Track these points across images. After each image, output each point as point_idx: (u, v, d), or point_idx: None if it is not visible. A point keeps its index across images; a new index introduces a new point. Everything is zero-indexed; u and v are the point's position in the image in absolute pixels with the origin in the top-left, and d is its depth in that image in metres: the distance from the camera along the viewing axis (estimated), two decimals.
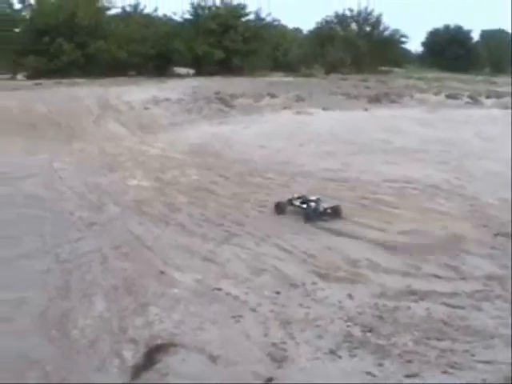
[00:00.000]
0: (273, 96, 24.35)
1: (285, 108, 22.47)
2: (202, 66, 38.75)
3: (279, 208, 8.68)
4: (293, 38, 51.31)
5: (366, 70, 41.59)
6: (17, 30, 40.33)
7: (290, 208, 8.71)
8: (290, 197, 8.91)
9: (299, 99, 24.12)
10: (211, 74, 35.34)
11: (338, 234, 7.59)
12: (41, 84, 28.18)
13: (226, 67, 37.77)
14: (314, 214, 8.32)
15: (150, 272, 6.12)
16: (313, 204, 8.50)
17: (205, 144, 15.18)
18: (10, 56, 38.13)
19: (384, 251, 6.81)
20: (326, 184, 10.53)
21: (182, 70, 40.96)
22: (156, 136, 17.28)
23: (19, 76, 37.37)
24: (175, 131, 18.09)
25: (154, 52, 37.34)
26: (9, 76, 37.29)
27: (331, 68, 43.02)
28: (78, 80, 29.97)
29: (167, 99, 22.33)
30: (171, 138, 16.59)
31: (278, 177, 11.08)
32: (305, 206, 8.55)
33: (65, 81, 29.35)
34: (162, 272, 6.11)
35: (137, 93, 22.91)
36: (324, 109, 21.89)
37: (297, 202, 8.69)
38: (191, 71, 40.92)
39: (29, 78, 35.56)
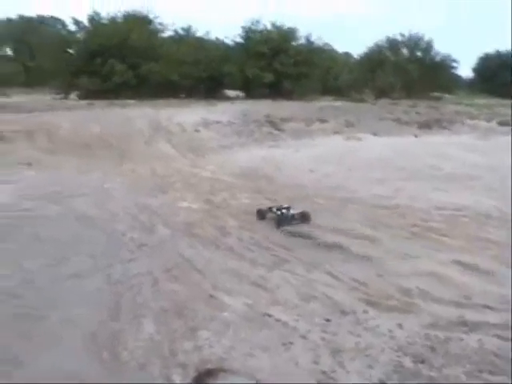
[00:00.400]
0: (323, 121, 24.37)
1: (335, 133, 22.50)
2: (252, 89, 38.97)
3: (260, 214, 9.82)
4: (343, 62, 51.47)
5: (416, 96, 41.38)
6: (71, 51, 41.12)
7: (270, 214, 9.77)
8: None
9: (349, 124, 24.11)
10: (261, 97, 35.49)
11: (394, 257, 7.49)
12: (93, 104, 28.70)
13: (276, 90, 37.97)
14: (284, 219, 9.43)
15: (200, 295, 6.11)
16: (284, 211, 9.62)
17: (255, 167, 15.21)
18: (63, 76, 38.91)
19: (435, 280, 6.70)
20: (376, 210, 10.42)
21: (232, 93, 41.22)
22: (206, 158, 17.40)
23: (72, 96, 38.07)
24: (225, 154, 18.19)
25: (205, 74, 37.77)
26: (62, 96, 38.00)
27: (381, 93, 42.98)
28: (130, 101, 30.46)
29: (217, 122, 22.50)
30: (221, 161, 16.67)
31: (327, 202, 11.02)
32: (279, 212, 9.64)
33: (117, 101, 29.86)
34: (211, 296, 6.09)
35: (188, 115, 23.13)
36: (374, 134, 21.83)
37: (274, 209, 9.77)
38: (241, 94, 41.15)
39: (81, 98, 36.33)
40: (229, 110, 25.90)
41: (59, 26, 60.73)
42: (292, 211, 9.69)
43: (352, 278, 6.76)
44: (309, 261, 7.29)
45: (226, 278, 6.64)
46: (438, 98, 43.48)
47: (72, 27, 43.83)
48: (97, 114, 23.59)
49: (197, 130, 21.34)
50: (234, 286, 6.39)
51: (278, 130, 22.68)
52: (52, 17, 69.49)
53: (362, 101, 38.20)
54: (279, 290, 6.35)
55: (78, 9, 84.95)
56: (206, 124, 22.14)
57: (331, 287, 6.48)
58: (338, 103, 35.13)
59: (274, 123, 23.28)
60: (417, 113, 29.38)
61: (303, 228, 9.02)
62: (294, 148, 18.77)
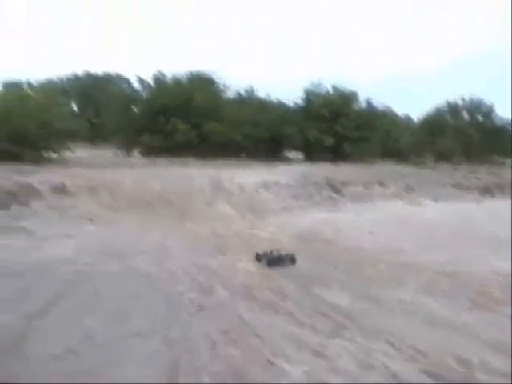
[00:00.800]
0: (383, 185, 24.26)
1: (395, 197, 22.34)
2: (312, 151, 39.05)
3: (258, 257, 11.58)
4: (403, 125, 51.35)
5: (476, 160, 40.95)
6: (135, 109, 42.02)
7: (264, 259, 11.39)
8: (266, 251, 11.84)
9: (409, 189, 23.93)
10: (321, 159, 35.53)
11: (453, 328, 7.34)
12: (155, 162, 29.14)
13: (336, 153, 37.95)
14: (274, 260, 11.29)
15: (259, 361, 6.07)
16: (274, 254, 11.59)
17: (314, 230, 15.17)
18: (127, 134, 39.69)
19: (496, 352, 6.53)
20: (436, 277, 10.28)
21: (292, 155, 41.39)
22: (265, 220, 17.42)
23: (134, 153, 38.73)
24: (285, 216, 18.20)
25: (265, 135, 37.88)
26: (124, 152, 38.74)
27: (441, 157, 42.67)
28: (191, 160, 30.80)
29: (277, 183, 22.57)
30: (281, 223, 16.66)
31: (388, 268, 10.90)
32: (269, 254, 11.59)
33: (178, 160, 30.23)
34: (270, 362, 6.04)
35: (248, 176, 23.26)
36: (434, 200, 21.64)
37: (268, 253, 11.65)
38: (301, 155, 41.28)
39: (143, 155, 36.94)
40: (289, 172, 25.97)
41: (124, 84, 62.29)
42: (282, 253, 11.58)
43: (412, 347, 6.64)
44: (369, 330, 7.18)
45: (285, 344, 6.58)
46: (499, 163, 42.94)
47: (137, 85, 44.96)
48: (158, 172, 23.92)
49: (257, 191, 21.46)
50: (292, 353, 6.32)
51: (338, 193, 22.67)
52: (118, 74, 71.32)
53: (421, 165, 38.00)
54: (338, 358, 6.26)
55: (144, 68, 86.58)
56: (266, 185, 22.22)
57: (390, 357, 6.36)
58: (398, 167, 34.97)
59: (333, 186, 23.28)
60: (477, 178, 29.09)
61: (362, 292, 8.93)
62: (354, 212, 18.74)
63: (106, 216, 17.10)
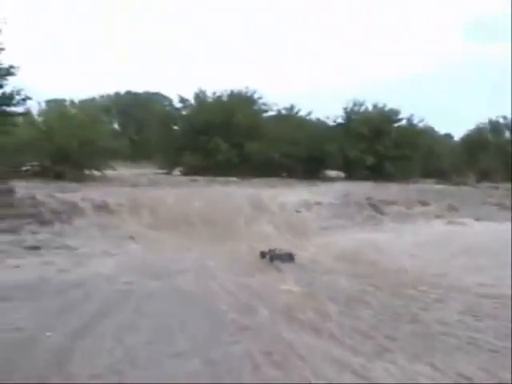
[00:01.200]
0: (425, 204, 24.05)
1: (437, 217, 22.12)
2: (353, 170, 38.81)
3: (262, 254, 14.10)
4: (444, 144, 50.86)
5: None
6: (176, 127, 42.28)
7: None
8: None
9: (451, 208, 23.69)
10: (362, 178, 35.31)
11: (496, 352, 7.20)
12: (196, 181, 29.24)
13: (376, 172, 37.65)
14: (276, 257, 13.73)
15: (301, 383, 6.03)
16: (276, 252, 13.98)
17: (356, 251, 15.06)
18: (168, 152, 39.92)
19: None
20: (480, 300, 10.12)
21: (333, 173, 41.25)
22: (306, 240, 17.37)
23: (175, 172, 38.90)
24: (326, 236, 18.11)
25: (305, 154, 37.72)
26: (166, 171, 38.94)
27: (482, 176, 42.22)
28: (232, 178, 30.89)
29: (318, 203, 22.52)
30: (322, 243, 16.58)
31: (431, 290, 10.76)
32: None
33: (219, 179, 30.29)
34: None
35: (289, 195, 23.25)
36: (476, 219, 21.35)
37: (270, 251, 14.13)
38: (342, 174, 41.10)
39: (184, 174, 37.03)
40: (330, 191, 25.91)
41: (165, 103, 62.75)
42: (280, 252, 14.02)
43: (456, 370, 6.53)
44: (413, 352, 7.09)
45: (327, 366, 6.52)
46: None
47: (178, 104, 45.22)
48: (199, 191, 24.03)
49: (298, 211, 21.43)
50: (335, 375, 6.26)
51: (379, 212, 22.53)
52: (158, 93, 71.94)
53: (463, 183, 37.61)
54: (381, 381, 6.19)
55: (185, 86, 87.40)
56: (307, 205, 22.19)
57: (433, 380, 6.27)
58: (440, 186, 34.66)
59: (374, 206, 23.16)
60: None
61: (404, 313, 8.83)
62: (396, 232, 18.56)
63: (147, 234, 17.23)
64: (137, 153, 51.55)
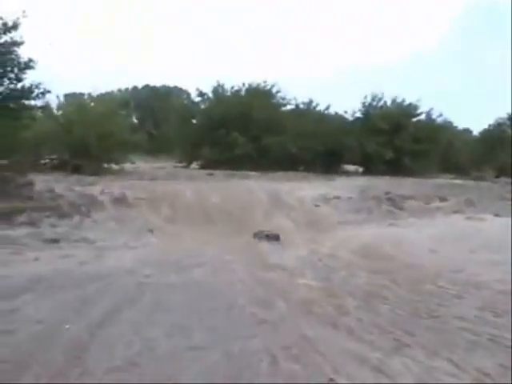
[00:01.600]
0: (443, 199, 23.92)
1: (455, 212, 21.98)
2: (371, 165, 38.75)
3: (254, 235, 16.31)
4: (463, 139, 50.64)
5: None
6: (194, 121, 42.35)
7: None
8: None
9: (469, 203, 23.53)
10: (380, 172, 35.27)
11: None
12: (213, 174, 29.33)
13: (395, 166, 37.58)
14: (264, 237, 16.07)
15: (319, 378, 6.01)
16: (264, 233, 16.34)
17: (374, 245, 14.97)
18: (186, 146, 40.06)
19: None
20: (499, 296, 10.04)
21: (351, 168, 41.21)
22: (324, 234, 17.33)
23: (193, 165, 38.99)
24: (344, 230, 18.05)
25: (324, 148, 37.72)
26: (184, 164, 39.04)
27: (501, 171, 42.32)
28: (249, 172, 30.94)
29: (337, 197, 22.49)
30: (340, 238, 16.51)
31: (449, 285, 10.70)
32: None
33: (236, 173, 30.36)
34: (331, 379, 5.97)
35: (307, 189, 23.28)
36: (495, 215, 21.20)
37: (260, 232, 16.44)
38: (360, 169, 41.07)
39: (202, 167, 37.20)
40: (348, 186, 25.90)
41: (183, 96, 62.90)
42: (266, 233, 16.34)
43: (475, 367, 6.50)
44: (431, 348, 7.06)
45: (345, 361, 6.50)
46: None
47: (196, 98, 45.33)
48: (217, 185, 24.11)
49: (316, 205, 21.40)
50: (353, 370, 6.24)
51: (398, 207, 22.42)
52: (176, 87, 72.15)
53: (481, 179, 37.42)
54: (399, 376, 6.16)
55: (203, 80, 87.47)
56: (325, 199, 22.18)
57: (452, 375, 6.24)
58: (458, 181, 34.52)
59: (393, 200, 23.06)
60: None
61: (422, 308, 8.80)
62: (415, 227, 18.44)
63: (166, 228, 17.32)
64: (155, 146, 51.88)
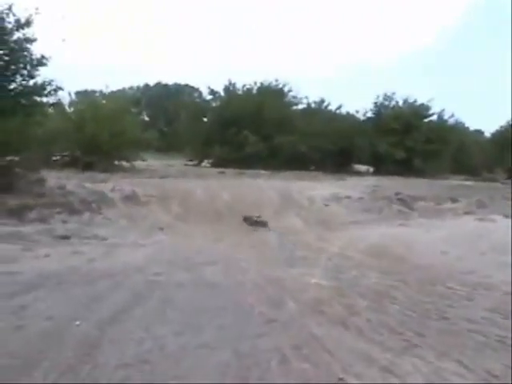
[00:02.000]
0: (454, 200, 23.86)
1: (466, 213, 21.91)
2: (382, 165, 38.74)
3: (244, 219, 17.88)
4: (474, 140, 50.52)
5: None
6: (205, 119, 42.39)
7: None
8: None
9: (481, 205, 23.44)
10: (391, 172, 35.27)
11: None
12: (224, 173, 29.40)
13: (406, 167, 37.57)
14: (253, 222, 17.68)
15: (329, 377, 6.00)
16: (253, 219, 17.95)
17: (384, 245, 14.95)
18: (197, 144, 40.08)
19: None
20: (508, 298, 10.00)
21: (362, 168, 41.19)
22: (335, 234, 17.31)
23: (204, 163, 39.07)
24: (354, 230, 18.04)
25: (335, 148, 37.77)
26: (195, 162, 39.10)
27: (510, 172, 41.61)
28: (260, 171, 31.04)
29: (347, 197, 22.50)
30: (350, 237, 16.47)
31: (459, 287, 10.65)
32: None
33: (247, 171, 30.44)
34: (340, 379, 5.96)
35: (318, 189, 23.33)
36: (506, 216, 21.09)
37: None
38: (371, 169, 41.04)
39: (213, 165, 37.35)
40: (358, 186, 25.93)
41: (195, 94, 63.04)
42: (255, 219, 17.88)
43: (484, 368, 6.47)
44: (441, 349, 7.04)
45: (355, 361, 6.48)
46: None
47: (207, 96, 45.40)
48: (228, 183, 24.13)
49: (326, 205, 21.41)
50: (362, 370, 6.23)
51: (409, 208, 22.38)
52: (187, 85, 72.26)
53: (493, 180, 37.31)
54: (409, 376, 6.15)
55: (214, 78, 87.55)
56: (336, 199, 22.21)
57: (461, 377, 6.22)
58: (469, 182, 34.41)
59: (403, 201, 23.03)
60: None
61: (432, 309, 8.78)
62: (425, 228, 18.37)
63: (176, 225, 17.39)
64: (166, 144, 52.10)
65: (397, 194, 23.89)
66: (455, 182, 34.57)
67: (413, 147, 38.62)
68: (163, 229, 16.88)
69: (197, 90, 65.42)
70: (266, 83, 42.28)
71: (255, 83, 42.22)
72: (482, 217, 20.61)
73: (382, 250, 14.32)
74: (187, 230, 17.01)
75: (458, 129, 45.42)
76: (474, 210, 22.70)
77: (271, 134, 37.40)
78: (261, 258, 13.08)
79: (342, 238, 16.27)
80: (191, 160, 41.68)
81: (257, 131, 37.27)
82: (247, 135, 36.56)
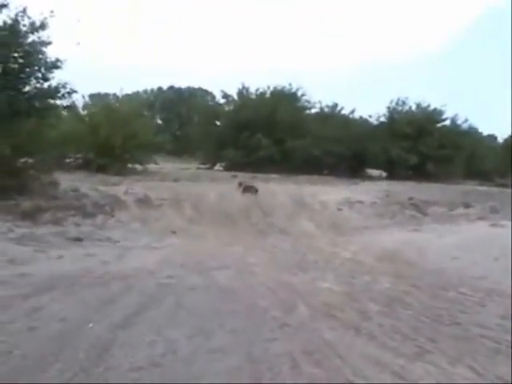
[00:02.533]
0: (467, 205, 23.77)
1: (479, 219, 21.82)
2: (395, 170, 38.63)
3: (239, 183, 19.94)
4: (487, 145, 50.29)
5: None
6: (218, 123, 42.39)
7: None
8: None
9: (493, 210, 23.33)
10: (404, 177, 35.14)
11: None
12: (237, 176, 29.27)
13: (419, 172, 37.45)
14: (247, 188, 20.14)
15: (339, 382, 5.99)
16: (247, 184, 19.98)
17: (397, 250, 14.91)
18: (210, 147, 40.10)
19: None
20: None
21: (374, 172, 41.06)
22: (347, 238, 17.29)
23: (217, 167, 39.06)
24: (367, 235, 18.04)
25: (348, 152, 37.73)
26: (207, 166, 39.11)
27: None
28: (272, 175, 30.96)
29: (360, 202, 22.47)
30: (363, 242, 16.46)
31: (472, 293, 10.62)
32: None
33: (260, 175, 30.30)
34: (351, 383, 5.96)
35: (330, 193, 23.30)
36: None
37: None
38: (383, 173, 40.92)
39: (225, 169, 37.29)
40: (371, 190, 25.87)
41: (208, 98, 63.14)
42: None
43: (496, 374, 6.42)
44: (453, 355, 7.01)
45: (366, 366, 6.47)
46: None
47: (220, 100, 45.44)
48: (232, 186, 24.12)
49: (339, 209, 21.40)
50: (374, 375, 6.22)
51: (421, 213, 22.31)
52: (200, 88, 72.33)
53: (505, 185, 37.09)
54: (421, 382, 6.14)
55: (227, 83, 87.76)
56: (349, 203, 22.18)
57: (473, 382, 6.20)
58: (483, 188, 34.26)
59: (416, 206, 22.96)
60: None
61: (445, 315, 8.74)
62: (438, 233, 18.29)
63: (188, 229, 17.43)
64: (179, 147, 52.14)
65: (410, 198, 23.82)
66: (468, 187, 34.44)
67: (426, 152, 38.43)
68: (176, 232, 16.93)
69: (210, 93, 65.48)
70: (279, 87, 42.21)
71: (268, 87, 42.21)
72: (495, 222, 20.52)
73: (394, 255, 14.28)
74: (200, 233, 17.06)
75: (471, 134, 45.21)
76: (487, 215, 22.62)
77: (284, 137, 37.36)
78: (273, 262, 13.10)
79: (354, 243, 16.24)
80: (204, 163, 41.66)
81: (270, 135, 37.24)
82: (260, 139, 36.52)
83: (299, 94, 42.36)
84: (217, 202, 20.45)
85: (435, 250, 15.34)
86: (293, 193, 22.81)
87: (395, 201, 23.49)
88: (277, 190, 23.48)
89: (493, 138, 58.05)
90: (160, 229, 17.16)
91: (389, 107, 42.26)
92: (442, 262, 13.75)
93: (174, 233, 16.84)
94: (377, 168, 42.73)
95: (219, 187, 23.59)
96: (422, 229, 19.58)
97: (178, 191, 21.52)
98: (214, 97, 57.86)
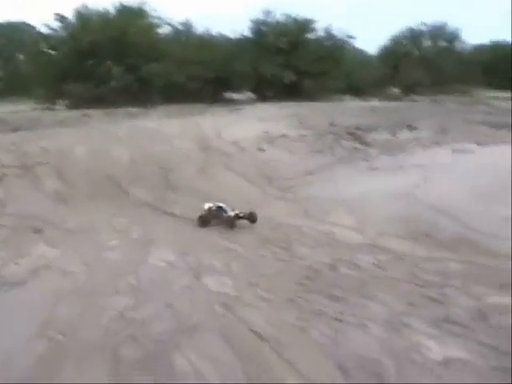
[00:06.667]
0: (411, 128, 18.74)
1: (434, 144, 16.86)
2: (267, 90, 35.39)
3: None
4: (360, 57, 48.42)
5: (444, 91, 38.58)
6: (53, 52, 36.46)
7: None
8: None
9: (442, 131, 18.56)
10: (278, 99, 31.51)
11: None
12: (88, 115, 23.05)
13: (293, 90, 33.62)
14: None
15: None
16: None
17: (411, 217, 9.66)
18: (46, 82, 35.06)
19: None
20: None
21: (240, 96, 37.07)
22: (296, 194, 11.87)
23: (58, 105, 32.69)
24: (316, 184, 12.62)
25: (213, 75, 32.96)
26: (46, 106, 32.67)
27: (407, 89, 40.95)
28: (133, 109, 25.41)
29: (284, 135, 16.76)
30: (324, 198, 11.24)
31: None
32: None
33: (117, 110, 25.04)
34: None
35: (233, 126, 17.37)
36: (477, 143, 16.34)
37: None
38: (252, 96, 36.75)
39: (71, 107, 31.20)
40: (276, 116, 19.96)
41: (33, 33, 57.42)
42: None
43: None
44: None
45: None
46: (464, 92, 39.48)
47: (55, 24, 39.22)
48: (105, 131, 16.95)
49: (260, 149, 15.41)
50: None
51: (363, 143, 16.78)
52: (24, 22, 66.24)
53: (398, 99, 35.91)
54: None
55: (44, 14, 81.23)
56: (268, 139, 16.11)
57: None
58: (377, 103, 30.61)
59: (353, 135, 17.43)
60: (488, 113, 24.25)
61: None
62: (403, 172, 13.24)
63: (58, 215, 10.75)
64: (6, 88, 46.62)
65: (332, 125, 18.12)
66: (369, 103, 30.70)
67: (302, 67, 34.17)
68: (41, 230, 10.16)
69: (33, 27, 59.14)
70: (125, 4, 36.38)
71: (111, 4, 36.60)
72: (456, 147, 15.76)
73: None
74: (75, 218, 10.46)
75: (348, 45, 41.53)
76: (439, 137, 17.59)
77: (138, 63, 32.06)
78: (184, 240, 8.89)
79: (315, 204, 10.88)
80: (41, 103, 35.19)
81: (120, 61, 31.69)
82: (110, 66, 30.82)
83: (148, 10, 36.63)
84: (87, 162, 13.41)
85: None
86: (177, 130, 16.55)
87: (320, 130, 17.68)
88: (153, 127, 16.98)
89: (362, 51, 55.60)
90: (9, 226, 10.34)
91: (254, 20, 37.35)
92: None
93: (38, 232, 10.00)
94: (244, 90, 38.39)
95: (78, 134, 16.48)
96: (378, 166, 14.33)
97: (25, 149, 13.81)
98: (40, 33, 51.92)
